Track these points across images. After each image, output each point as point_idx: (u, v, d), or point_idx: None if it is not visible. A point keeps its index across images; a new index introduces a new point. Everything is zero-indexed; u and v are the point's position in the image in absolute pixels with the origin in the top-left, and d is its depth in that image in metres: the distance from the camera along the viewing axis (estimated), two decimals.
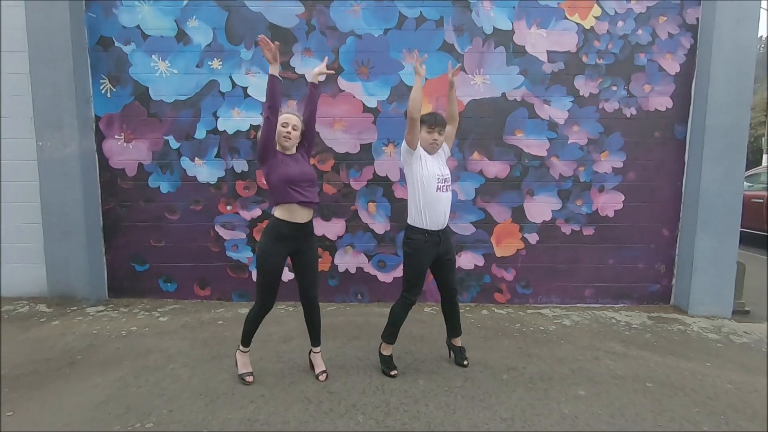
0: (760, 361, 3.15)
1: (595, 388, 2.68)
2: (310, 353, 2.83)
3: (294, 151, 2.62)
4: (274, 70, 2.48)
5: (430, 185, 2.67)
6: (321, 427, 2.22)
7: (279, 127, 2.51)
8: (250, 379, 2.63)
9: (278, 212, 2.52)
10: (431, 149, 2.76)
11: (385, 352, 2.85)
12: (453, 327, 2.95)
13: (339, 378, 2.74)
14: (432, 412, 2.39)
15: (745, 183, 7.91)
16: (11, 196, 4.11)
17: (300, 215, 2.52)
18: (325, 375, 2.72)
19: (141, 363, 2.91)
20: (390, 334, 2.82)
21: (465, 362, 2.93)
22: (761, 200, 7.37)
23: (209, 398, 2.48)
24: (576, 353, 3.19)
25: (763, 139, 19.36)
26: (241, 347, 2.71)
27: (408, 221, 2.76)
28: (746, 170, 8.45)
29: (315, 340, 2.79)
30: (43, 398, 2.46)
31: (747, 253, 6.92)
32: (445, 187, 2.72)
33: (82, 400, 2.44)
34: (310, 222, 2.61)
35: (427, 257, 2.72)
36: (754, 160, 16.97)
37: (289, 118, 2.56)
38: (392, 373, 2.78)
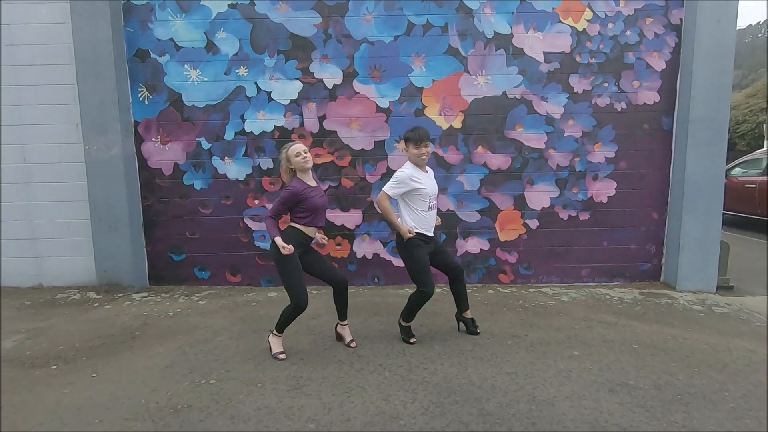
0: (736, 327, 3.55)
1: (587, 350, 3.10)
2: (336, 326, 3.26)
3: (311, 175, 2.97)
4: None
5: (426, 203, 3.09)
6: (355, 382, 2.66)
7: (294, 159, 2.86)
8: (282, 356, 2.93)
9: (300, 225, 2.93)
10: (420, 162, 3.08)
11: (404, 324, 3.27)
12: (461, 302, 3.35)
13: (365, 345, 3.18)
14: (447, 369, 2.81)
15: (739, 169, 8.27)
16: (61, 195, 4.56)
17: (315, 232, 3.03)
18: (354, 343, 3.15)
19: (192, 336, 3.36)
20: (407, 315, 3.22)
21: (477, 330, 3.35)
22: (754, 186, 7.69)
23: (257, 361, 2.92)
24: (572, 323, 3.60)
25: (764, 125, 19.57)
26: (275, 332, 3.00)
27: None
28: (739, 157, 8.77)
29: (342, 316, 3.20)
30: (118, 363, 2.92)
31: (738, 235, 7.28)
32: (431, 206, 3.13)
33: (150, 365, 2.89)
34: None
35: (423, 251, 3.10)
36: (756, 146, 17.17)
37: (299, 147, 2.89)
38: (411, 340, 3.20)
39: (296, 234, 2.91)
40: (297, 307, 2.90)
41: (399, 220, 3.12)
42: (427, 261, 3.11)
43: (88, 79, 4.26)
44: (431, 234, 3.15)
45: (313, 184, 2.95)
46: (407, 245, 3.08)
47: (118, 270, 4.48)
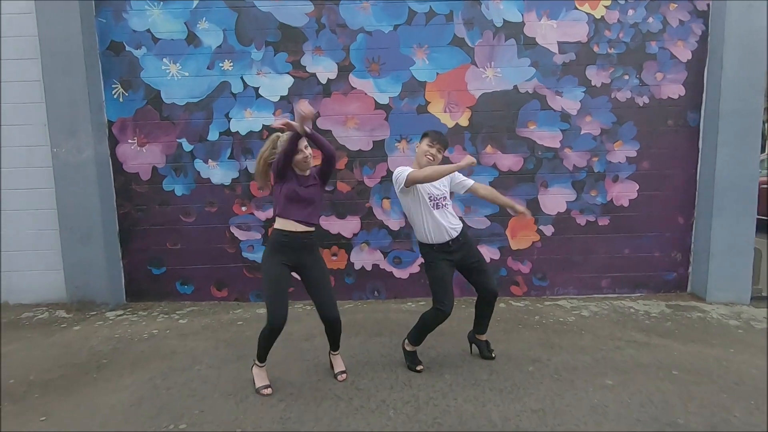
0: None
1: (621, 377, 2.69)
2: (329, 353, 2.82)
3: (307, 173, 2.60)
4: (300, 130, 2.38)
5: (428, 204, 2.72)
6: (354, 425, 2.24)
7: (298, 159, 2.49)
8: (267, 391, 2.53)
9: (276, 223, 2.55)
10: (424, 162, 2.70)
11: (408, 348, 2.85)
12: (481, 325, 2.93)
13: (365, 374, 2.76)
14: (462, 405, 2.40)
15: None
16: (26, 204, 4.12)
17: (294, 226, 2.51)
18: (344, 375, 2.70)
19: (167, 364, 2.93)
20: (416, 338, 2.80)
21: (492, 354, 2.94)
22: (765, 186, 7.33)
23: (239, 398, 2.50)
24: (598, 343, 3.19)
25: (765, 125, 19.34)
26: (257, 362, 2.60)
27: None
28: None
29: (334, 346, 2.75)
30: (75, 402, 2.48)
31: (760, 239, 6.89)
32: (438, 204, 2.74)
33: (114, 403, 2.46)
34: (309, 237, 2.57)
35: (445, 266, 2.70)
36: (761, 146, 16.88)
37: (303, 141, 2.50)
38: (418, 368, 2.78)
39: (275, 236, 2.53)
40: (270, 324, 2.45)
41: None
42: (445, 274, 2.69)
43: (56, 75, 3.85)
44: (449, 237, 2.70)
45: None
46: (425, 259, 2.79)
47: (91, 285, 4.05)
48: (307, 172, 2.59)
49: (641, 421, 2.24)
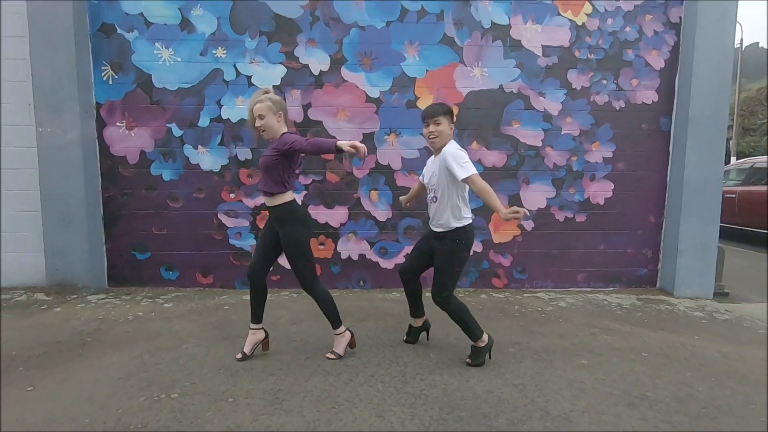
0: (741, 334, 3.37)
1: (596, 359, 2.84)
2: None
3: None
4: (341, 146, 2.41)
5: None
6: (343, 395, 2.30)
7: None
8: (238, 356, 2.69)
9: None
10: (429, 144, 2.69)
11: (481, 345, 2.69)
12: (413, 307, 2.96)
13: (353, 353, 2.82)
14: (447, 380, 2.49)
15: None
16: (8, 184, 4.03)
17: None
18: (330, 355, 2.74)
19: (154, 344, 2.92)
20: (471, 330, 2.68)
21: (415, 339, 2.99)
22: (733, 195, 7.77)
23: (229, 372, 2.53)
24: (574, 330, 3.35)
25: (730, 142, 20.37)
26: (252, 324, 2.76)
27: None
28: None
29: (332, 324, 2.77)
30: (60, 375, 2.46)
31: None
32: (429, 197, 2.73)
33: (100, 376, 2.45)
34: (273, 208, 2.59)
35: (423, 238, 2.87)
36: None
37: (255, 108, 2.51)
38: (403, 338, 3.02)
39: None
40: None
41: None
42: (417, 243, 2.89)
43: (44, 53, 3.80)
44: (434, 229, 2.70)
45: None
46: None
47: (71, 268, 3.98)
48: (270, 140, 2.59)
49: (614, 395, 2.38)
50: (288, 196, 2.57)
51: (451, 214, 2.61)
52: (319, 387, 2.38)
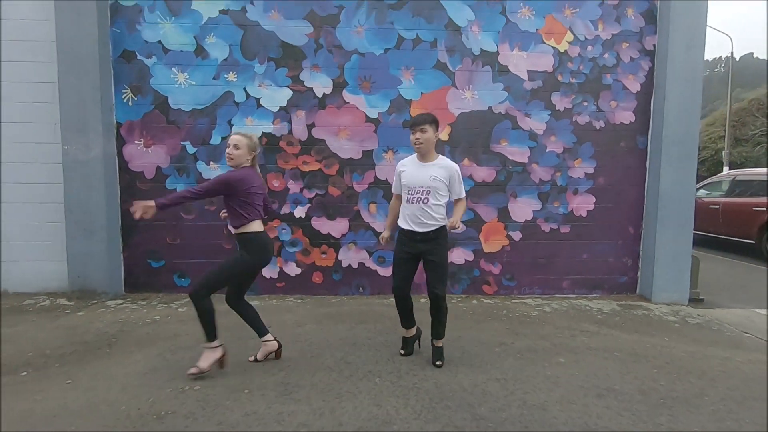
0: (709, 336, 3.69)
1: (573, 357, 3.15)
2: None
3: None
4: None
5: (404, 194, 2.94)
6: (345, 388, 2.61)
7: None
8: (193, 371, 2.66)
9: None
10: (415, 149, 2.89)
11: (403, 335, 3.11)
12: (433, 328, 3.00)
13: (353, 352, 3.13)
14: (437, 375, 2.80)
15: (703, 191, 8.72)
16: (33, 197, 4.36)
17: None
18: (194, 369, 2.64)
19: (173, 343, 3.23)
20: (401, 320, 3.06)
21: (437, 363, 2.94)
22: (717, 206, 8.11)
23: (243, 368, 2.84)
24: (556, 332, 3.66)
25: (723, 152, 20.82)
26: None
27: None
28: (699, 181, 9.29)
29: (206, 336, 2.71)
30: (93, 370, 2.77)
31: (703, 253, 7.61)
32: (415, 199, 2.87)
33: (129, 371, 2.76)
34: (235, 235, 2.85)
35: (403, 250, 2.91)
36: (715, 172, 18.20)
37: (231, 138, 2.78)
38: (400, 351, 3.13)
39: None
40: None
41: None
42: (397, 258, 2.93)
43: (70, 77, 4.15)
44: (413, 229, 2.84)
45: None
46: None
47: (91, 275, 4.29)
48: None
49: (585, 387, 2.69)
50: (253, 227, 2.79)
51: (440, 214, 2.87)
52: (323, 381, 2.69)
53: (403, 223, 2.93)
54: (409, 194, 2.89)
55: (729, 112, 21.24)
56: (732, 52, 22.99)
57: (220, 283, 2.76)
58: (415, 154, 2.96)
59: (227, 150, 2.78)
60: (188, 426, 2.18)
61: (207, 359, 2.70)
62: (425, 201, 2.85)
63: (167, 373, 2.73)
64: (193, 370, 2.64)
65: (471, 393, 2.59)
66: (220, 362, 2.76)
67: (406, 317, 3.06)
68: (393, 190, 3.10)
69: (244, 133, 2.86)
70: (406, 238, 2.92)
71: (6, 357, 2.96)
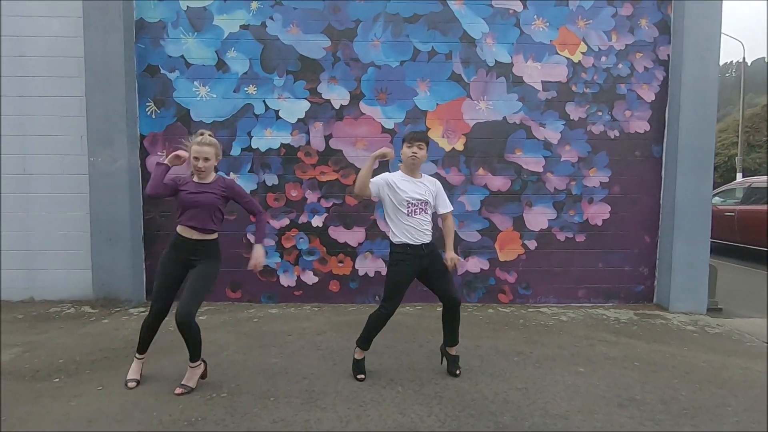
0: (729, 346, 3.67)
1: (592, 367, 3.16)
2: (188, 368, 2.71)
3: (209, 180, 2.74)
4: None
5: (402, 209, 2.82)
6: (369, 396, 2.66)
7: (192, 160, 2.66)
8: (132, 384, 2.68)
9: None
10: (409, 163, 2.85)
11: (357, 356, 2.92)
12: (448, 335, 2.97)
13: (374, 361, 3.17)
14: (458, 384, 2.84)
15: (718, 198, 8.66)
16: (60, 207, 4.50)
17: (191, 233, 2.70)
18: (180, 389, 2.61)
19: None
20: (363, 340, 2.89)
21: (458, 372, 2.93)
22: (732, 214, 8.06)
23: (267, 375, 2.90)
24: (574, 341, 3.68)
25: (736, 158, 20.61)
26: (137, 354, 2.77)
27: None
28: (718, 186, 9.23)
29: (193, 356, 2.68)
30: (123, 377, 2.83)
31: (720, 261, 7.54)
32: (418, 210, 2.84)
33: (159, 377, 2.83)
34: (205, 242, 2.73)
35: (408, 269, 2.81)
36: (728, 179, 18.01)
37: (200, 151, 2.64)
38: (359, 376, 2.84)
39: (173, 236, 2.76)
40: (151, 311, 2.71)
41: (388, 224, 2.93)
42: (402, 278, 2.81)
43: (97, 91, 4.29)
44: (418, 242, 2.80)
45: (202, 181, 2.71)
46: (390, 259, 2.90)
47: (115, 283, 4.40)
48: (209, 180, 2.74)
49: (606, 397, 2.71)
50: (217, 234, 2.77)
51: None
52: (347, 388, 2.74)
53: (407, 239, 2.80)
54: (409, 207, 2.81)
55: (742, 118, 21.07)
56: (744, 57, 22.88)
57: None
58: (400, 170, 2.94)
59: (198, 164, 2.64)
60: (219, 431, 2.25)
61: (194, 377, 2.70)
62: (425, 212, 2.88)
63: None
64: (180, 390, 2.61)
65: (493, 402, 2.62)
66: (203, 375, 2.78)
67: (449, 331, 2.98)
68: (370, 187, 2.85)
69: (209, 141, 2.67)
70: (411, 255, 2.79)
71: (39, 363, 3.06)
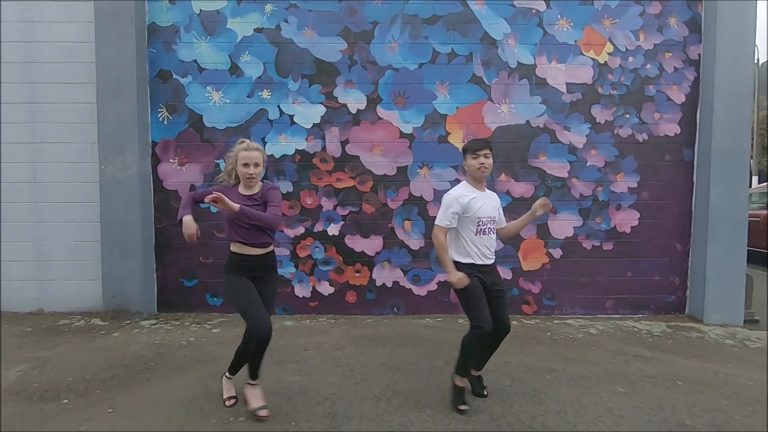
0: None
1: (631, 386, 2.95)
2: (244, 387, 2.58)
3: (256, 189, 2.55)
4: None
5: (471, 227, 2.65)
6: (396, 420, 2.48)
7: (241, 169, 2.46)
8: (229, 403, 2.61)
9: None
10: (479, 175, 2.65)
11: (458, 383, 2.64)
12: (482, 359, 2.80)
13: (398, 379, 3.00)
14: (491, 406, 2.65)
15: None
16: (70, 216, 4.39)
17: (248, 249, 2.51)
18: (265, 411, 2.46)
19: (212, 368, 3.14)
20: (462, 368, 2.63)
21: (485, 392, 2.77)
22: (758, 219, 7.77)
23: (286, 396, 2.73)
24: (607, 357, 3.47)
25: (750, 161, 20.17)
26: (227, 374, 2.71)
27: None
28: None
29: (253, 374, 2.56)
30: (135, 397, 2.69)
31: (748, 269, 7.26)
32: (485, 230, 2.67)
33: (171, 398, 2.68)
34: (268, 255, 2.59)
35: (476, 281, 2.60)
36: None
37: (250, 156, 2.45)
38: (461, 407, 2.57)
39: (230, 256, 2.58)
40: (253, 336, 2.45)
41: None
42: (479, 292, 2.58)
43: (109, 98, 4.18)
44: (482, 262, 2.64)
45: (248, 192, 2.52)
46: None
47: (126, 295, 4.27)
48: (255, 189, 2.54)
49: (653, 422, 2.50)
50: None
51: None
52: (372, 411, 2.56)
53: (468, 258, 2.63)
54: (479, 226, 2.63)
55: (756, 120, 20.62)
56: (758, 59, 22.46)
57: None
58: (466, 181, 2.72)
59: (248, 171, 2.44)
60: None
61: (261, 392, 2.56)
62: (492, 231, 2.70)
63: (210, 403, 2.63)
64: (266, 413, 2.46)
65: (530, 427, 2.43)
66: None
67: (485, 359, 2.80)
68: (446, 223, 2.60)
69: (256, 146, 2.52)
70: (476, 271, 2.61)
71: (47, 382, 2.92)
